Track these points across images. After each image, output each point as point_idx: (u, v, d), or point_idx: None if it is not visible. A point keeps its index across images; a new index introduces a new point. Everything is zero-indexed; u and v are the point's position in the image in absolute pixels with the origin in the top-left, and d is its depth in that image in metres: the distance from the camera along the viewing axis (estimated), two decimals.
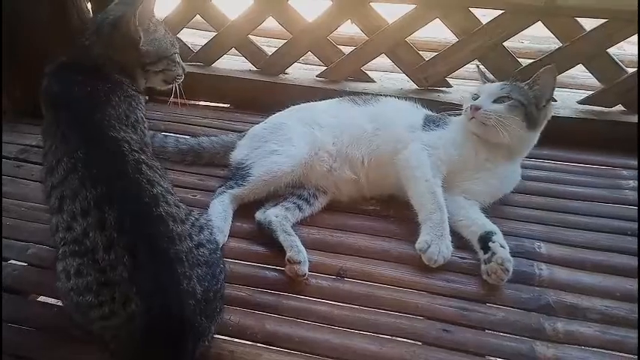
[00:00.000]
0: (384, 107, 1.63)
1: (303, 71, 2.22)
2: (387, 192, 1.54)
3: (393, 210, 1.51)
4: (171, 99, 1.40)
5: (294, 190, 1.49)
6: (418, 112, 1.62)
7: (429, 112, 1.63)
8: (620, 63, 1.84)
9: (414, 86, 2.07)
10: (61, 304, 1.09)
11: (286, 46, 2.10)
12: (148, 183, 1.01)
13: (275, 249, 1.33)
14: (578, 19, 1.80)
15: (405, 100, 1.71)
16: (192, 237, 1.00)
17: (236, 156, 1.57)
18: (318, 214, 1.49)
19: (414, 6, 1.90)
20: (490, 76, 1.75)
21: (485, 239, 1.32)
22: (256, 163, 1.47)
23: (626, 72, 1.84)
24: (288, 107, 1.70)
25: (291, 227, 1.38)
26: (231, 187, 1.45)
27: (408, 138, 1.51)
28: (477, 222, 1.38)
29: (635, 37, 1.79)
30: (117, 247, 0.92)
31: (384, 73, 2.46)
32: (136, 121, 1.17)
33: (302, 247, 1.28)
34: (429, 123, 1.55)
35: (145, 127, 1.21)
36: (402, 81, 2.13)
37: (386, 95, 1.83)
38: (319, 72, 2.12)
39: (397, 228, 1.45)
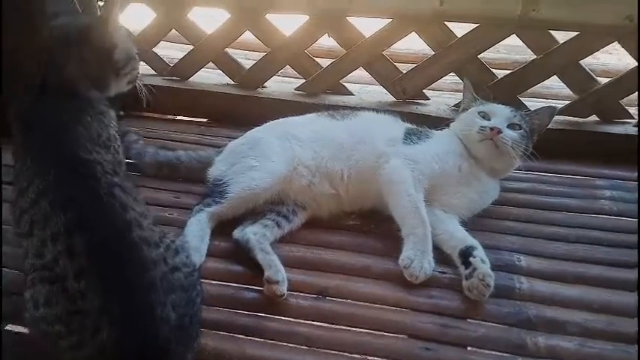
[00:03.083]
0: (364, 121, 1.63)
1: (282, 85, 2.20)
2: (368, 206, 1.53)
3: (374, 225, 1.50)
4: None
5: (272, 207, 1.47)
6: (398, 126, 1.62)
7: (410, 126, 1.64)
8: (592, 74, 1.87)
9: (392, 99, 2.07)
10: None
11: (264, 60, 2.09)
12: (122, 207, 0.98)
13: (254, 268, 1.31)
14: (552, 31, 1.83)
15: (385, 113, 1.71)
16: (167, 261, 0.97)
17: (213, 172, 1.54)
18: (298, 230, 1.47)
19: (390, 20, 1.90)
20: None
21: (465, 254, 1.31)
22: (234, 180, 1.45)
23: (599, 83, 1.87)
24: (266, 121, 1.68)
25: (271, 245, 1.36)
26: (209, 205, 1.42)
27: (389, 152, 1.50)
28: (456, 236, 1.38)
29: (608, 47, 1.83)
30: (87, 275, 0.89)
31: (363, 85, 2.46)
32: (108, 139, 1.14)
33: (280, 266, 1.26)
34: (410, 136, 1.55)
35: (117, 145, 1.18)
36: (381, 93, 2.13)
37: (365, 109, 1.83)
38: (298, 85, 2.11)
39: (378, 243, 1.44)
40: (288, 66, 2.11)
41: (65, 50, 1.16)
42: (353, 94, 2.12)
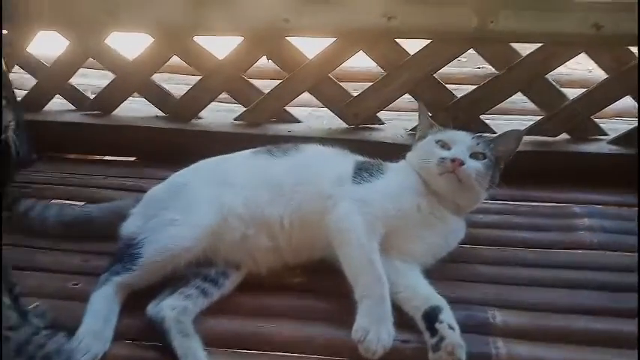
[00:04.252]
0: (306, 157, 1.39)
1: (222, 114, 1.97)
2: (316, 258, 1.29)
3: (324, 280, 1.26)
4: None
5: (198, 270, 1.21)
6: (347, 160, 1.39)
7: (360, 159, 1.41)
8: (560, 89, 1.70)
9: (344, 125, 1.86)
10: None
11: (197, 88, 1.85)
12: None
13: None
14: (514, 44, 1.65)
15: (333, 144, 1.48)
16: None
17: (127, 228, 1.28)
18: (231, 296, 1.22)
19: (335, 39, 1.70)
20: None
21: (430, 317, 1.09)
22: (149, 239, 1.19)
23: (568, 98, 1.70)
24: (204, 157, 1.43)
25: (195, 320, 1.11)
26: (117, 274, 1.16)
27: (336, 194, 1.27)
28: (419, 294, 1.16)
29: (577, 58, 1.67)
30: None
31: (314, 108, 2.24)
32: None
33: (202, 355, 1.01)
34: (360, 173, 1.33)
35: None
36: (332, 118, 1.92)
37: (313, 139, 1.61)
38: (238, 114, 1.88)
39: (330, 305, 1.20)
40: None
41: None
42: (300, 122, 1.90)
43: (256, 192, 1.29)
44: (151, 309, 1.12)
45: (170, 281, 1.19)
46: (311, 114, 2.13)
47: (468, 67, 2.78)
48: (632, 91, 1.66)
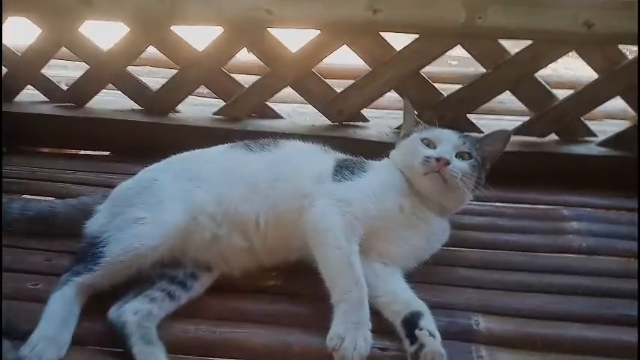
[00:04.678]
0: (285, 153, 1.33)
1: (199, 108, 1.89)
2: (293, 259, 1.23)
3: (301, 283, 1.19)
4: None
5: (164, 271, 1.14)
6: (327, 158, 1.32)
7: (342, 156, 1.35)
8: (549, 88, 1.65)
9: (328, 122, 1.80)
10: None
11: (174, 80, 1.78)
12: None
13: None
14: (502, 41, 1.60)
15: (314, 140, 1.41)
16: None
17: (91, 226, 1.20)
18: (200, 299, 1.15)
19: (319, 31, 1.63)
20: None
21: (410, 323, 1.03)
22: (114, 238, 1.11)
23: (557, 98, 1.65)
24: (181, 152, 1.35)
25: (160, 325, 1.04)
26: (78, 274, 1.08)
27: (315, 192, 1.20)
28: (399, 298, 1.10)
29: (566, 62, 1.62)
30: None
31: (298, 105, 2.17)
32: None
33: None
34: (341, 170, 1.26)
35: None
36: (316, 115, 1.85)
37: (296, 135, 1.54)
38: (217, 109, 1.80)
39: (305, 309, 1.13)
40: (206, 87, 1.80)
41: None
42: (282, 118, 1.83)
43: (230, 188, 1.22)
44: (113, 312, 1.05)
45: (135, 283, 1.11)
46: (295, 110, 2.06)
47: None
48: (623, 91, 1.62)
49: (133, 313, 1.03)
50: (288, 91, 1.79)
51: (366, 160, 1.34)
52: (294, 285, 1.20)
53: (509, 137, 1.32)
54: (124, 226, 1.13)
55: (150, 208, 1.16)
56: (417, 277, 1.19)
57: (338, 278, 1.08)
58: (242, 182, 1.23)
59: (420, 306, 1.07)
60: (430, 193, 1.23)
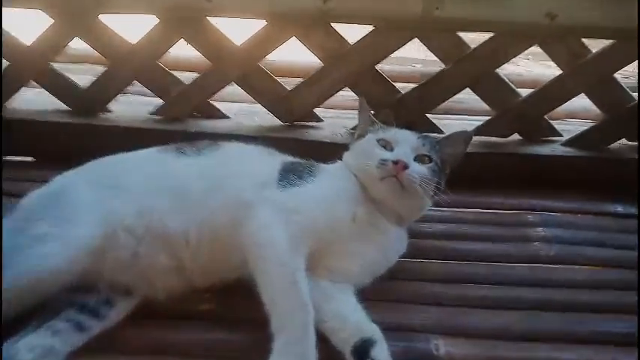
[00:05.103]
0: (223, 157, 1.17)
1: (135, 107, 1.71)
2: (230, 278, 1.07)
3: (240, 307, 1.03)
4: None
5: (74, 297, 0.97)
6: (273, 161, 1.17)
7: (289, 160, 1.20)
8: (511, 84, 1.55)
9: (278, 122, 1.65)
10: None
11: (104, 76, 1.59)
12: None
13: None
14: (462, 34, 1.49)
15: (262, 143, 1.26)
16: None
17: None
18: (117, 329, 0.98)
19: (265, 22, 1.48)
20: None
21: (361, 353, 0.90)
22: (13, 260, 0.93)
23: (519, 95, 1.56)
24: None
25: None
26: None
27: (256, 200, 1.05)
28: (349, 322, 0.96)
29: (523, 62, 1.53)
30: None
31: (248, 105, 2.00)
32: None
33: None
34: (287, 175, 1.11)
35: None
36: (266, 115, 1.69)
37: (241, 137, 1.39)
38: (155, 108, 1.63)
39: (245, 338, 0.98)
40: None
41: None
42: (228, 117, 1.67)
43: (155, 198, 1.05)
44: (7, 349, 0.87)
45: (38, 312, 0.94)
46: (243, 110, 1.89)
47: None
48: (588, 88, 1.53)
49: (29, 350, 0.86)
50: (236, 90, 1.63)
51: (315, 164, 1.20)
52: (232, 310, 1.04)
53: (470, 138, 1.21)
54: (25, 245, 0.95)
55: (57, 223, 0.98)
56: (371, 294, 1.06)
57: (279, 300, 0.94)
58: (170, 191, 1.07)
59: (372, 331, 0.94)
60: (386, 200, 1.10)
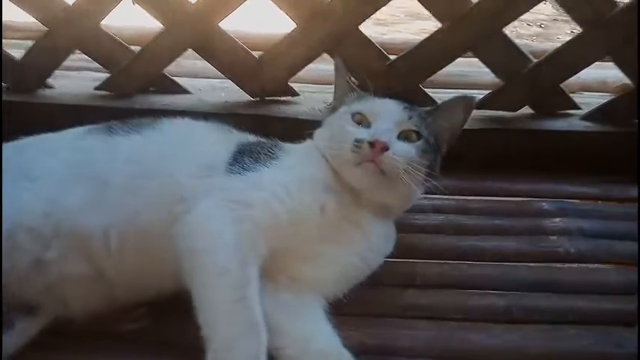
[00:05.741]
0: (161, 135, 0.94)
1: (79, 82, 1.48)
2: (167, 290, 0.84)
3: (176, 325, 0.80)
4: None
5: None
6: (225, 141, 0.94)
7: (249, 139, 0.97)
8: (521, 47, 1.31)
9: (247, 97, 1.41)
10: None
11: (42, 46, 1.36)
12: None
13: None
14: None
15: (227, 121, 1.02)
16: None
17: None
18: (22, 356, 0.75)
19: None
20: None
21: None
22: None
23: (530, 59, 1.31)
24: None
25: None
26: None
27: (198, 189, 0.82)
28: (313, 350, 0.75)
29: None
30: None
31: (220, 81, 1.74)
32: None
33: None
34: (241, 158, 0.88)
35: None
36: (234, 90, 1.45)
37: (198, 115, 1.15)
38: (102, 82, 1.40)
39: None
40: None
41: None
42: (189, 93, 1.44)
43: (68, 190, 0.82)
44: None
45: None
46: (212, 85, 1.65)
47: None
48: (611, 51, 1.28)
49: None
50: (207, 66, 1.40)
51: (280, 144, 0.96)
52: (166, 329, 0.82)
53: (471, 105, 0.97)
54: None
55: None
56: (345, 308, 0.84)
57: (220, 324, 0.72)
58: (87, 182, 0.84)
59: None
60: (364, 190, 0.87)
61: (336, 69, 1.05)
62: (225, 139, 0.95)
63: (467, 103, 0.95)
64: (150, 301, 0.84)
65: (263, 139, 0.99)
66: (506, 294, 0.92)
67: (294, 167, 0.89)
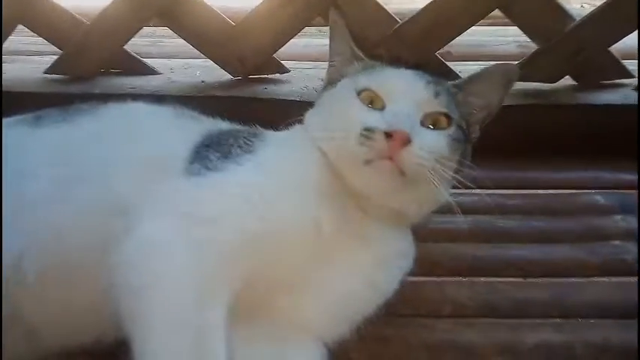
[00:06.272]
0: (101, 126, 0.71)
1: (27, 66, 1.27)
2: (108, 336, 0.62)
3: None
4: None
5: None
6: (186, 131, 0.71)
7: (220, 127, 0.74)
8: (561, 3, 1.06)
9: (228, 76, 1.18)
10: None
11: None
12: None
13: None
14: None
15: (203, 104, 0.79)
16: None
17: None
18: None
19: None
20: None
21: None
22: None
23: (573, 18, 1.07)
24: None
25: None
26: None
27: (146, 200, 0.60)
28: None
29: None
30: None
31: (203, 61, 1.50)
32: None
33: None
34: (207, 153, 0.66)
35: None
36: (213, 69, 1.23)
37: (167, 99, 0.92)
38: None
39: None
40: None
41: None
42: (158, 73, 1.22)
43: None
44: None
45: None
46: (189, 65, 1.42)
47: None
48: None
49: None
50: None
51: (260, 132, 0.73)
52: None
53: (514, 76, 0.72)
54: None
55: None
56: (354, 353, 0.63)
57: None
58: None
59: None
60: (376, 195, 0.64)
61: (333, 27, 0.79)
62: (186, 129, 0.72)
63: (508, 74, 0.72)
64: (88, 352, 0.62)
65: (239, 127, 0.76)
66: (563, 324, 0.69)
67: (276, 164, 0.66)
